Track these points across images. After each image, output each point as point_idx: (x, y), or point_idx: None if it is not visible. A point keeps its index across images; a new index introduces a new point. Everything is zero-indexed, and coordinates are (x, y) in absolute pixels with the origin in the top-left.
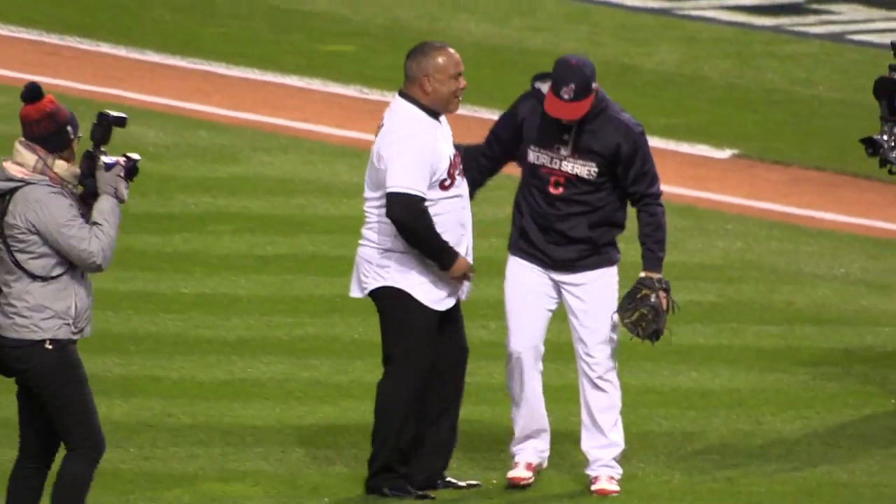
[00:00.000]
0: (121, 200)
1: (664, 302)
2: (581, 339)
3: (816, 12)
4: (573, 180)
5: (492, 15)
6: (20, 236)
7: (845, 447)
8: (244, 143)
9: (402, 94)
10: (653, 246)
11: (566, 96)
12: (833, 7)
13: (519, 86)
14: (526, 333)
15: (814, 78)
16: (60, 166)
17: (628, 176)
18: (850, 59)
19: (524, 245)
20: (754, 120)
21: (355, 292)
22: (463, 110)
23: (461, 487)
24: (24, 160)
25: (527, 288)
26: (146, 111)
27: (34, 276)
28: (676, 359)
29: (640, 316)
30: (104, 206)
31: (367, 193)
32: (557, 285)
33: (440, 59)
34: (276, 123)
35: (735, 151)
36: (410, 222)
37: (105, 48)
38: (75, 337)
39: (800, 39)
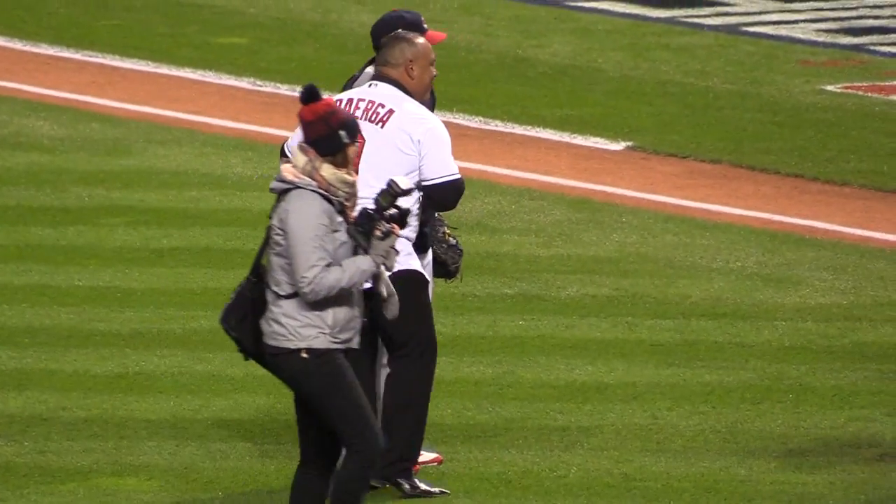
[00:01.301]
0: (387, 269)
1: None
2: None
3: (711, 4)
4: None
5: (385, 7)
6: (277, 238)
7: (743, 442)
8: (138, 136)
9: (386, 79)
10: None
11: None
12: None
13: None
14: None
15: (708, 70)
16: (328, 170)
17: None
18: (744, 51)
19: None
20: (649, 112)
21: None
22: None
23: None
24: (296, 162)
25: None
26: (40, 104)
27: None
28: (572, 353)
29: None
30: (360, 265)
31: (376, 178)
32: None
33: (421, 47)
34: (170, 116)
35: (629, 144)
36: (455, 205)
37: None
38: (335, 346)
39: (694, 31)
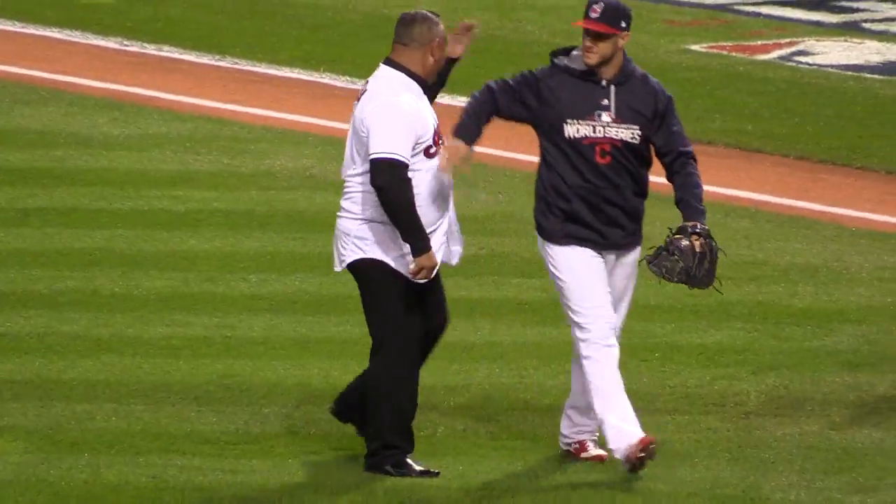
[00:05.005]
0: None
1: (696, 244)
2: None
3: None
4: (619, 146)
5: None
6: None
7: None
8: (3, 96)
9: (392, 62)
10: (694, 200)
11: (594, 14)
12: None
13: (284, 38)
14: (609, 318)
15: (573, 30)
16: None
17: (664, 135)
18: None
19: (575, 229)
20: (514, 72)
21: (336, 266)
22: (226, 63)
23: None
24: None
25: (595, 271)
26: None
27: None
28: None
29: (662, 256)
30: None
31: (349, 163)
32: (606, 265)
33: (442, 29)
34: (36, 76)
35: None
36: (394, 189)
37: None
38: None
39: None
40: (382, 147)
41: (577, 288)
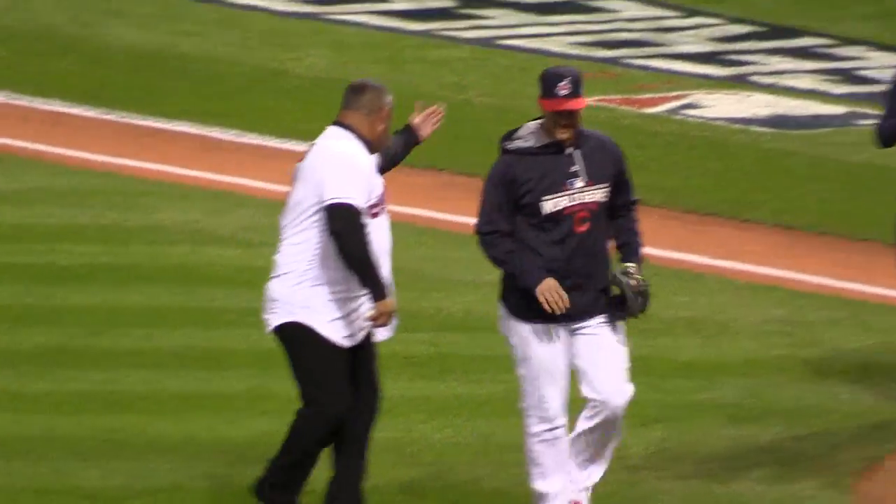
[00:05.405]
0: None
1: (633, 282)
2: (594, 378)
3: (467, 17)
4: (595, 209)
5: (142, 21)
6: None
7: (494, 454)
8: None
9: (341, 124)
10: (636, 245)
11: (563, 92)
12: (484, 12)
13: (172, 92)
14: (562, 404)
15: (465, 83)
16: None
17: (624, 186)
18: (500, 64)
19: (538, 305)
20: (403, 124)
21: (266, 328)
22: (115, 116)
23: None
24: None
25: (555, 356)
26: None
27: None
28: None
29: (629, 298)
30: None
31: (286, 215)
32: (571, 334)
33: (389, 99)
34: None
35: None
36: (351, 234)
37: None
38: None
39: (450, 44)
40: (339, 192)
41: (532, 373)
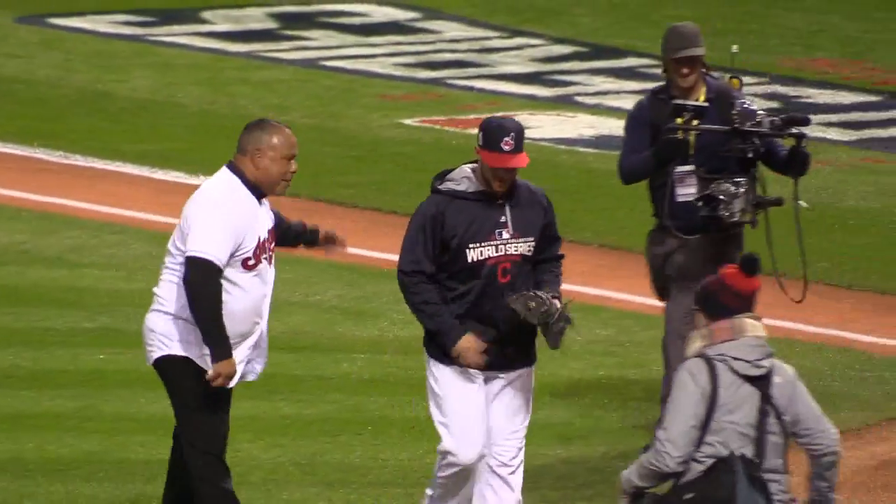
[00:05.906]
0: None
1: (557, 303)
2: (498, 430)
3: (290, 38)
4: (518, 261)
5: (28, 52)
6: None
7: (322, 474)
8: None
9: (229, 166)
10: (557, 289)
11: (507, 148)
12: (306, 33)
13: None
14: (477, 445)
15: (287, 104)
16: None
17: (549, 241)
18: (323, 85)
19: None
20: (228, 146)
21: (147, 361)
22: None
23: None
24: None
25: (471, 398)
26: None
27: None
28: (153, 385)
29: (527, 296)
30: None
31: (169, 254)
32: (487, 380)
33: (275, 138)
34: None
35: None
36: (203, 290)
37: None
38: None
39: (273, 65)
40: (200, 246)
41: (450, 413)
